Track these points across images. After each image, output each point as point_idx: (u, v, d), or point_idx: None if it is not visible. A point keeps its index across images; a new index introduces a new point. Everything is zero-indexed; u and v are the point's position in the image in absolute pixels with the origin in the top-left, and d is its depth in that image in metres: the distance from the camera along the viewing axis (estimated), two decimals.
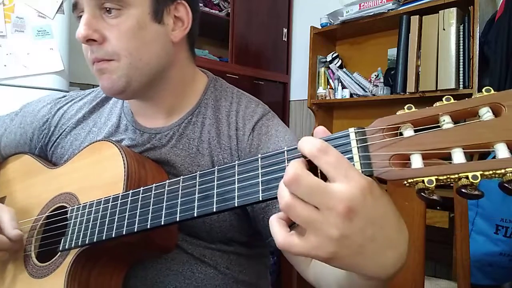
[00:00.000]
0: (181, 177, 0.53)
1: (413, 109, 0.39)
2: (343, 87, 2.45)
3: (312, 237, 0.37)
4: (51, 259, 0.66)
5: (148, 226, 0.53)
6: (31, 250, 0.69)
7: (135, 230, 0.54)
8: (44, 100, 0.87)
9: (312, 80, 2.55)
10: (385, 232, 0.38)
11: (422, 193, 0.36)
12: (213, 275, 0.69)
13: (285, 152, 0.44)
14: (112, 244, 0.60)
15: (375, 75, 2.37)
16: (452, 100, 0.37)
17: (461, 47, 1.87)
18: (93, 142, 0.71)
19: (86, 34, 0.62)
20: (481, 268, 1.52)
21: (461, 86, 1.86)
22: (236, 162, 0.47)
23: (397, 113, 0.39)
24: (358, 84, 2.38)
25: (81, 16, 0.65)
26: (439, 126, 0.37)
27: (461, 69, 1.86)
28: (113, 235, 0.56)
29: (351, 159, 0.39)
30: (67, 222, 0.64)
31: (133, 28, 0.63)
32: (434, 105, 0.38)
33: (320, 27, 2.52)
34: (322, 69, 2.55)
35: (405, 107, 0.39)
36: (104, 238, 0.57)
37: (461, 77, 1.86)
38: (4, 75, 1.71)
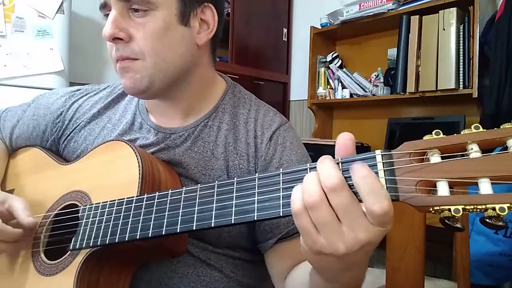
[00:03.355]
0: (199, 185, 0.53)
1: (441, 135, 0.39)
2: (343, 87, 2.45)
3: (321, 238, 0.40)
4: (59, 257, 0.65)
5: (163, 233, 0.53)
6: (40, 247, 0.69)
7: (149, 235, 0.54)
8: (58, 92, 0.85)
9: (312, 80, 2.55)
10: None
11: (446, 221, 0.36)
12: (218, 278, 0.69)
13: (308, 169, 0.44)
14: (123, 246, 0.59)
15: (375, 75, 2.37)
16: (481, 129, 0.37)
17: (461, 47, 1.87)
18: (107, 141, 0.71)
19: (112, 32, 0.62)
20: (481, 268, 1.52)
21: (461, 86, 1.86)
22: (257, 175, 0.47)
23: (424, 138, 0.39)
24: (358, 84, 2.38)
25: (107, 14, 0.65)
26: (466, 154, 0.37)
27: (461, 69, 1.86)
28: (126, 239, 0.56)
29: None
30: (78, 222, 0.64)
31: (159, 28, 0.63)
32: (462, 132, 0.38)
33: (320, 27, 2.52)
34: (322, 69, 2.55)
35: (433, 132, 0.39)
36: (117, 240, 0.57)
37: (461, 77, 1.86)
38: (4, 75, 1.71)
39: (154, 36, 0.63)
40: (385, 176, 0.39)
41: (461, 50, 1.87)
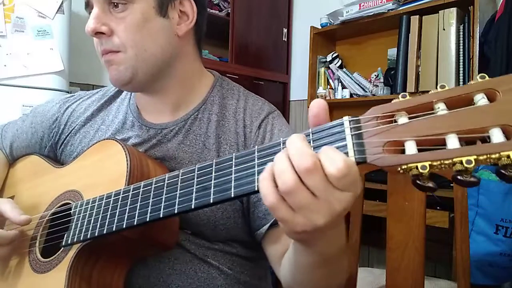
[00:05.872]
0: (180, 170, 0.53)
1: (408, 97, 0.38)
2: (343, 87, 2.45)
3: (300, 219, 0.40)
4: (54, 255, 0.66)
5: (148, 219, 0.54)
6: (36, 246, 0.70)
7: (135, 223, 0.55)
8: (53, 100, 0.89)
9: (312, 80, 2.55)
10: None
11: (417, 181, 0.36)
12: (216, 275, 0.70)
13: (281, 144, 0.44)
14: (113, 239, 0.60)
15: (375, 75, 2.37)
16: (447, 87, 0.37)
17: (461, 47, 1.87)
18: (98, 141, 0.73)
19: (94, 27, 0.66)
20: (481, 268, 1.52)
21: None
22: (234, 154, 0.48)
23: (392, 102, 0.39)
24: (358, 84, 2.38)
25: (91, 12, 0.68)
26: (433, 113, 0.36)
27: (461, 69, 1.86)
28: (114, 229, 0.57)
29: (344, 146, 0.40)
30: (70, 218, 0.65)
31: (138, 21, 0.67)
32: (428, 93, 0.37)
33: (320, 27, 2.52)
34: (322, 69, 2.55)
35: (400, 95, 0.39)
36: (105, 232, 0.58)
37: (461, 77, 1.86)
38: (4, 75, 1.71)
39: (134, 28, 0.66)
40: (352, 140, 0.39)
41: (461, 50, 1.87)
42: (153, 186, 0.56)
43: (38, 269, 0.67)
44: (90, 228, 0.60)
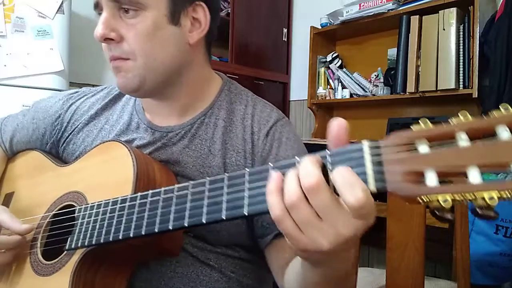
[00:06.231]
0: (190, 182, 0.53)
1: (429, 124, 0.37)
2: (343, 87, 2.45)
3: (304, 237, 0.40)
4: (56, 258, 0.66)
5: (156, 230, 0.53)
6: (37, 248, 0.69)
7: (143, 233, 0.54)
8: (56, 96, 0.87)
9: (312, 80, 2.55)
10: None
11: (436, 211, 0.35)
12: (218, 278, 0.69)
13: (296, 163, 0.43)
14: (118, 245, 0.59)
15: (375, 75, 2.37)
16: (469, 117, 0.36)
17: (461, 47, 1.87)
18: (103, 142, 0.71)
19: (103, 33, 0.63)
20: (481, 268, 1.52)
21: (461, 86, 1.86)
22: (247, 170, 0.47)
23: (413, 128, 0.38)
24: (358, 84, 2.38)
25: (100, 14, 0.66)
26: (455, 143, 0.35)
27: (461, 69, 1.86)
28: (120, 237, 0.56)
29: (363, 173, 0.39)
30: (74, 222, 0.64)
31: (149, 29, 0.64)
32: (450, 122, 0.36)
33: (320, 27, 2.52)
34: (322, 69, 2.55)
35: (420, 121, 0.38)
36: (111, 239, 0.57)
37: (461, 77, 1.86)
38: (4, 75, 1.71)
39: (144, 37, 0.64)
40: (372, 167, 0.38)
41: (461, 50, 1.87)
42: (162, 196, 0.55)
43: (40, 271, 0.67)
44: (96, 234, 0.59)
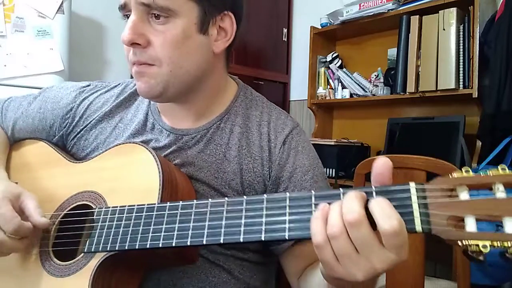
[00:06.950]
0: (226, 198, 0.54)
1: (470, 172, 0.42)
2: (343, 87, 2.45)
3: (340, 267, 0.44)
4: (67, 257, 0.64)
5: (188, 243, 0.53)
6: (49, 247, 0.67)
7: (173, 244, 0.54)
8: (67, 87, 0.84)
9: (312, 80, 2.55)
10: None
11: (470, 253, 0.40)
12: (226, 280, 0.70)
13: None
14: (141, 253, 0.58)
15: (375, 75, 2.37)
16: (507, 171, 0.41)
17: (461, 47, 1.87)
18: (123, 143, 0.70)
19: (131, 38, 0.62)
20: (481, 268, 1.52)
21: (461, 86, 1.86)
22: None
23: (455, 175, 0.43)
24: (358, 84, 2.38)
25: (127, 15, 0.65)
26: (493, 193, 0.40)
27: (461, 69, 1.86)
28: (148, 246, 0.55)
29: (410, 213, 0.42)
30: (91, 224, 0.62)
31: (178, 37, 0.63)
32: (489, 173, 0.41)
33: (320, 27, 2.52)
34: (322, 69, 2.55)
35: (463, 169, 0.43)
36: (137, 247, 0.56)
37: (461, 77, 1.86)
38: (4, 75, 1.71)
39: (173, 45, 0.63)
40: (419, 209, 0.42)
41: (461, 50, 1.87)
42: (194, 210, 0.55)
43: (55, 272, 0.64)
44: (119, 239, 0.58)
